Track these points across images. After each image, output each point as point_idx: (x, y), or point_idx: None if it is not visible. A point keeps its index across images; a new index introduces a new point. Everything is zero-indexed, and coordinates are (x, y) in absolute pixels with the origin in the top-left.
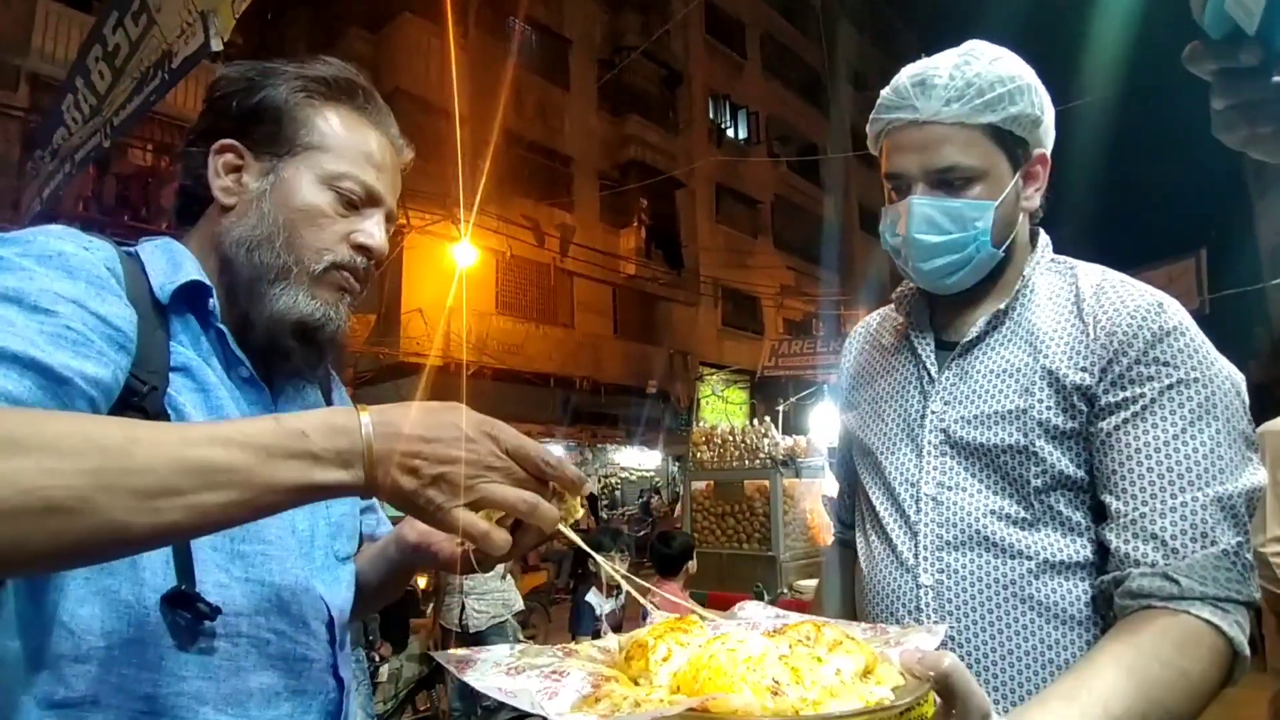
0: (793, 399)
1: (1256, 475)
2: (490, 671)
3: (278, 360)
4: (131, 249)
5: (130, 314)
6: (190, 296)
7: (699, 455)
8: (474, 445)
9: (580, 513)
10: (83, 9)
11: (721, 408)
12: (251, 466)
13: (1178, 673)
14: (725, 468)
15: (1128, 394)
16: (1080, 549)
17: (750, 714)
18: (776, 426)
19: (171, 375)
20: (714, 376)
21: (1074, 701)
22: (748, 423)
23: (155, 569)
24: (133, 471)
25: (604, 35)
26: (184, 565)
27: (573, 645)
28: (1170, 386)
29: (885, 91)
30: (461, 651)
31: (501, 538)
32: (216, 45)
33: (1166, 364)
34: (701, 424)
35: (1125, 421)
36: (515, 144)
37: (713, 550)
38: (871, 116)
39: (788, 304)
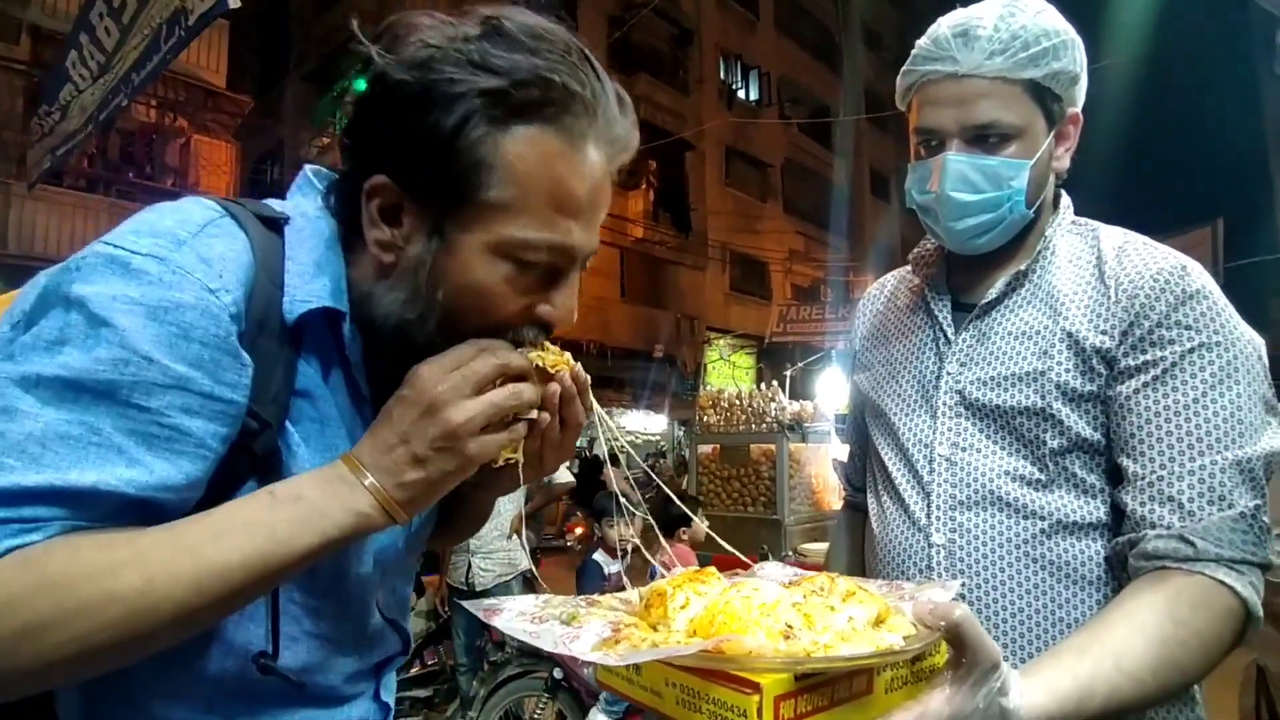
0: (800, 364)
1: (1276, 439)
2: (516, 619)
3: None
4: (284, 218)
5: (245, 373)
6: (325, 317)
7: (705, 419)
8: (423, 393)
9: (565, 357)
10: None
11: (728, 372)
12: (265, 551)
13: (1191, 631)
14: (732, 431)
15: (1149, 357)
16: (1094, 510)
17: (762, 655)
18: (783, 391)
19: (294, 400)
20: (721, 341)
21: (1086, 655)
22: (755, 387)
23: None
24: (156, 610)
25: None
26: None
27: (595, 596)
28: (1192, 350)
29: (922, 42)
30: (490, 601)
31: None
32: (234, 2)
33: (1189, 327)
34: (708, 388)
35: (1146, 385)
36: None
37: (718, 514)
38: (905, 69)
39: (796, 269)
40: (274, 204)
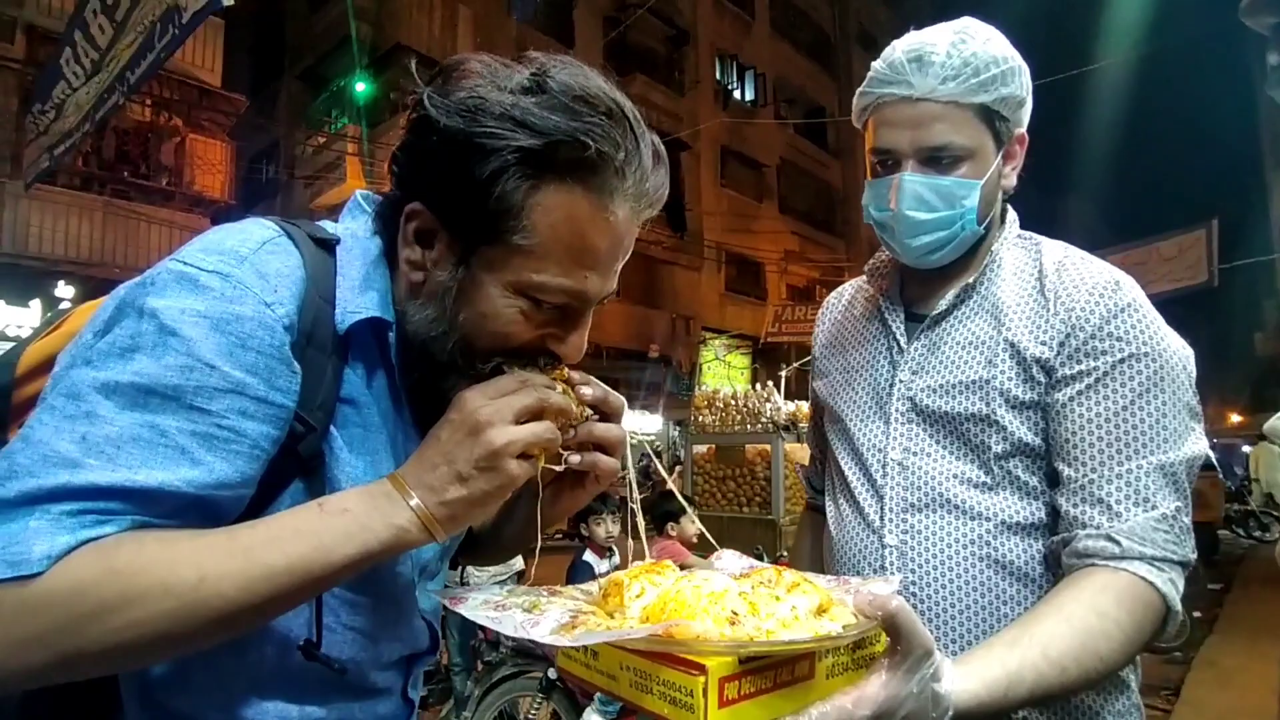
0: (795, 364)
1: (1198, 444)
2: (480, 606)
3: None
4: (334, 239)
5: (295, 380)
6: (371, 327)
7: (701, 419)
8: (469, 417)
9: (575, 402)
10: None
11: (724, 372)
12: (309, 558)
13: (1113, 623)
14: (727, 432)
15: (1083, 366)
16: (1036, 511)
17: (708, 639)
18: (779, 391)
19: (339, 406)
20: (716, 341)
21: (1016, 646)
22: (750, 387)
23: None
24: (206, 604)
25: None
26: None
27: (557, 587)
28: (1122, 360)
29: (877, 65)
30: (456, 590)
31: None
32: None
33: (1120, 339)
34: (703, 388)
35: (1079, 393)
36: None
37: (713, 514)
38: (861, 90)
39: (791, 269)
40: (327, 225)
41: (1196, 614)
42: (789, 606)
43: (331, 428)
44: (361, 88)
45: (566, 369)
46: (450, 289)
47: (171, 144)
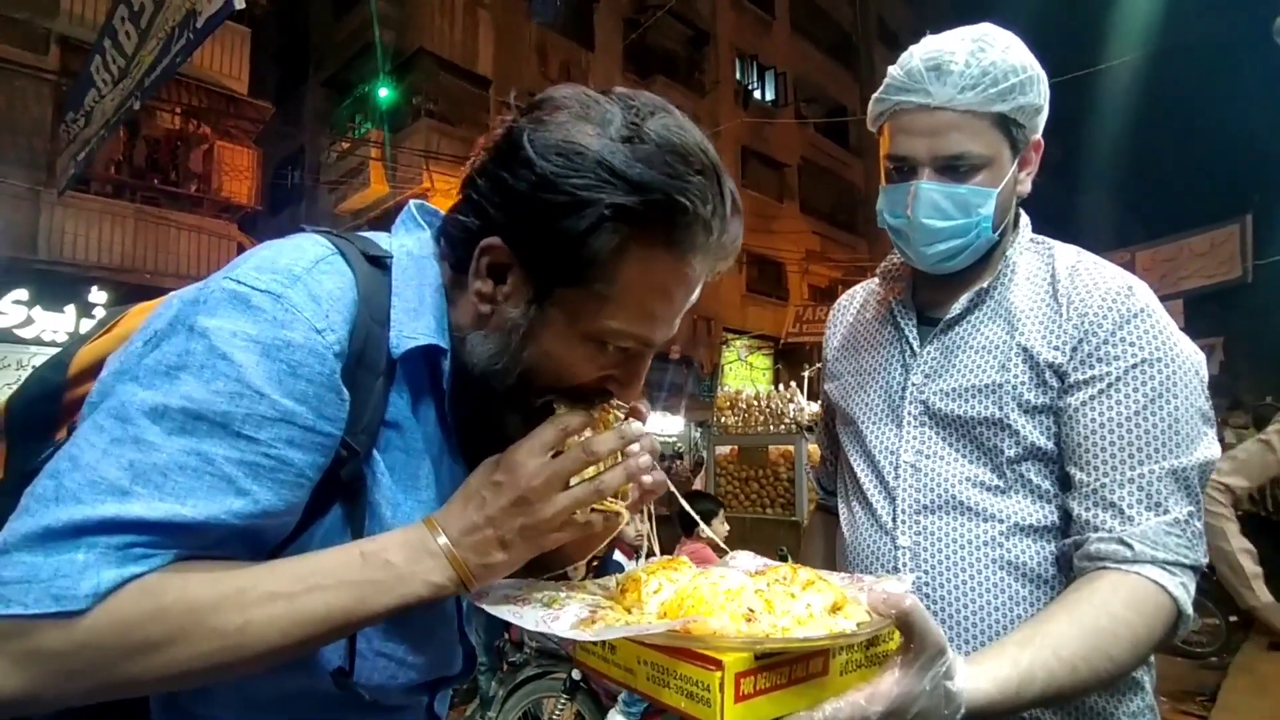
0: (817, 365)
1: (1211, 449)
2: (501, 601)
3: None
4: (387, 255)
5: (344, 407)
6: (423, 352)
7: (723, 420)
8: (516, 482)
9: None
10: None
11: (746, 373)
12: (349, 608)
13: (1124, 625)
14: (750, 433)
15: (1095, 372)
16: (1049, 514)
17: (725, 635)
18: (802, 392)
19: (383, 430)
20: (738, 342)
21: (1027, 646)
22: (772, 388)
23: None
24: (246, 647)
25: None
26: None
27: (574, 582)
28: (1134, 366)
29: (894, 72)
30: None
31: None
32: (239, 3)
33: (1132, 344)
34: (725, 389)
35: (1092, 398)
36: None
37: (736, 515)
38: (877, 96)
39: (813, 269)
40: (378, 239)
41: (1233, 618)
42: (804, 604)
43: (374, 451)
44: (384, 93)
45: (613, 406)
46: (520, 326)
47: (200, 151)
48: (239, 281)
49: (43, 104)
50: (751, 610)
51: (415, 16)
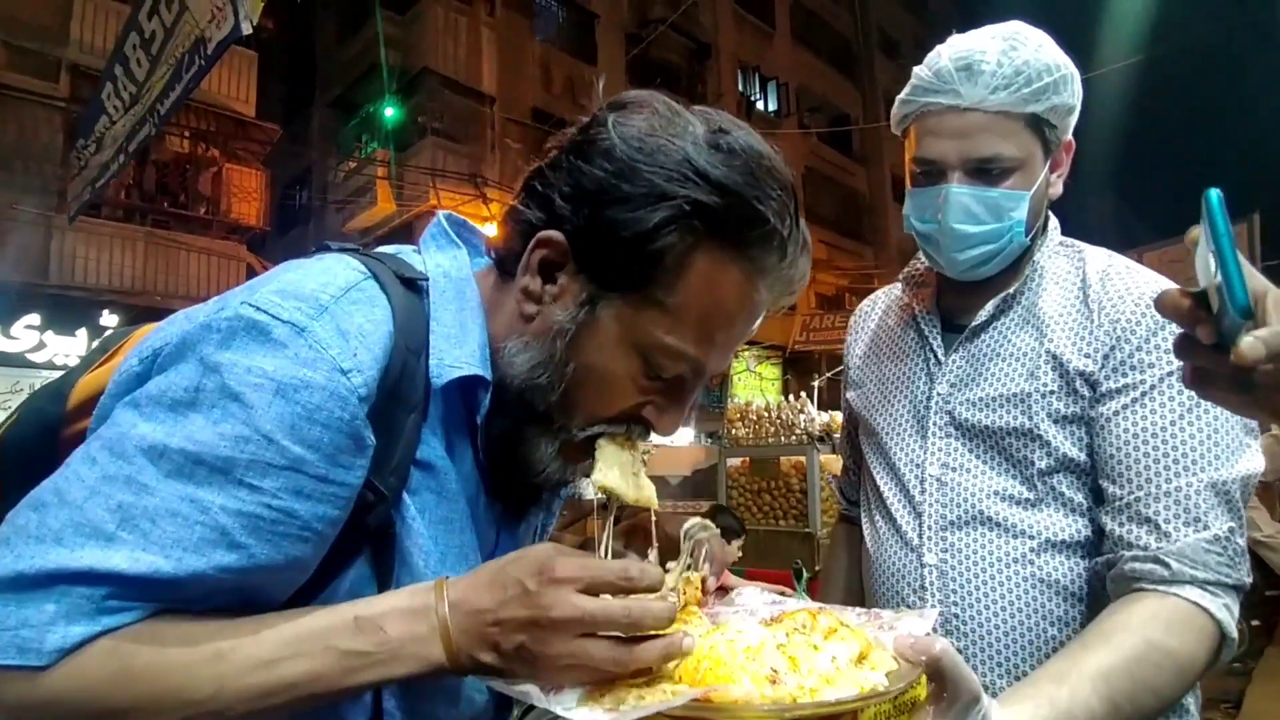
0: (827, 374)
1: (1254, 462)
2: None
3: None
4: (423, 277)
5: (365, 454)
6: (464, 385)
7: (734, 432)
8: (543, 600)
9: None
10: None
11: (755, 383)
12: (334, 680)
13: (1165, 654)
14: (761, 444)
15: (1128, 380)
16: (1082, 529)
17: (750, 703)
18: (812, 402)
19: (414, 470)
20: (746, 352)
21: (1064, 683)
22: (783, 399)
23: None
24: (222, 714)
25: (631, 8)
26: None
27: None
28: (1170, 374)
29: (922, 72)
30: None
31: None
32: (246, 29)
33: (1167, 351)
34: (734, 400)
35: (1125, 407)
36: (543, 121)
37: (750, 528)
38: (903, 97)
39: (820, 278)
40: (408, 256)
41: (1255, 622)
42: (829, 657)
43: (404, 494)
44: (390, 113)
45: (645, 444)
46: (566, 331)
47: (209, 174)
48: (259, 309)
49: (53, 131)
50: (775, 670)
51: (420, 37)
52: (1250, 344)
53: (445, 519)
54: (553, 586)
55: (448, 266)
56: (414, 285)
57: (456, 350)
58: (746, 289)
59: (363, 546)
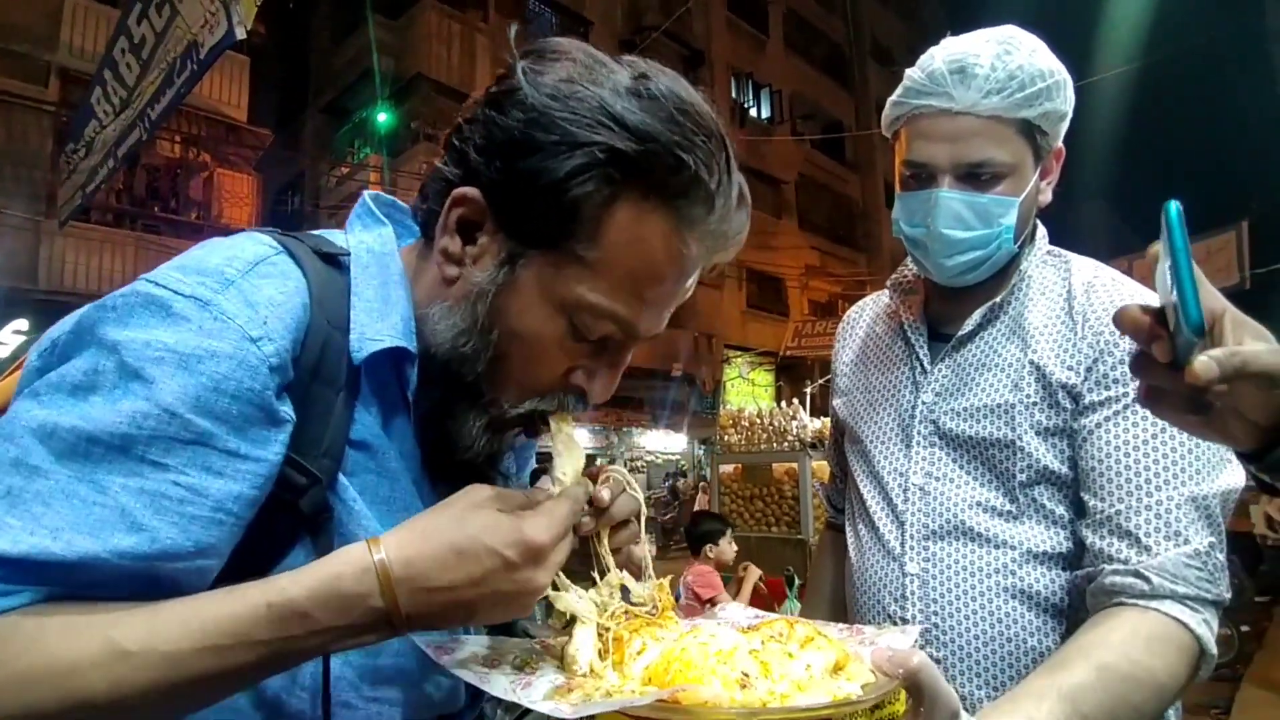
0: (820, 380)
1: (1235, 476)
2: (467, 659)
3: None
4: (344, 252)
5: (281, 430)
6: (390, 358)
7: (727, 438)
8: (527, 574)
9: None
10: (109, 2)
11: (748, 390)
12: (252, 665)
13: (1145, 671)
14: (753, 450)
15: (1110, 393)
16: (1063, 541)
17: (718, 705)
18: (804, 408)
19: (349, 451)
20: (739, 359)
21: (1044, 700)
22: (775, 405)
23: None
24: (125, 714)
25: (624, 16)
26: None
27: (549, 640)
28: None
29: (915, 75)
30: (440, 638)
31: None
32: (240, 34)
33: None
34: (727, 407)
35: (1106, 420)
36: None
37: (742, 534)
38: (894, 99)
39: (813, 284)
40: (333, 236)
41: (1245, 628)
42: (803, 665)
43: (341, 476)
44: (383, 118)
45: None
46: (486, 293)
47: (200, 179)
48: (159, 284)
49: (42, 135)
50: (746, 674)
51: (413, 42)
52: (1204, 363)
53: (387, 499)
54: (537, 558)
55: (371, 242)
56: (335, 261)
57: (378, 323)
58: (673, 242)
59: (300, 534)
